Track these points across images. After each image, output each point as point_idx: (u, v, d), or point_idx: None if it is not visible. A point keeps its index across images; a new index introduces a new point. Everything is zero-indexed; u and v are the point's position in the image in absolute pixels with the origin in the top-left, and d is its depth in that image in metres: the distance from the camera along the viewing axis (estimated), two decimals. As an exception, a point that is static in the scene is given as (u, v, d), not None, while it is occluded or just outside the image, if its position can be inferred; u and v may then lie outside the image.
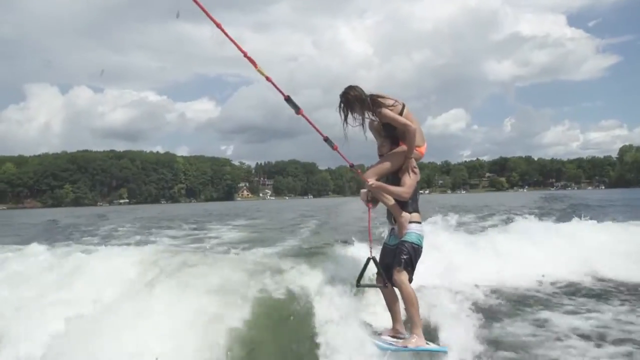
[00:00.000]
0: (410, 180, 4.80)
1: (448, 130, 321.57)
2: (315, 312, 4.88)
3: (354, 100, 4.85)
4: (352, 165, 4.96)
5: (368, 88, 4.75)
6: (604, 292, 7.18)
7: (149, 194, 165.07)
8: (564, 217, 15.55)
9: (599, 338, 5.24)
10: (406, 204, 4.84)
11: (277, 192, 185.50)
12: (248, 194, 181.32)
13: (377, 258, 4.98)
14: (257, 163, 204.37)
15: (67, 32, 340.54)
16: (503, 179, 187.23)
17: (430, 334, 4.99)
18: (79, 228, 21.68)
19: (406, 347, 4.61)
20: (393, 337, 4.89)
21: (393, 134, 4.98)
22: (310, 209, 36.41)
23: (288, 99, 4.37)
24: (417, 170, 4.89)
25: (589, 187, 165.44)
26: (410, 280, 4.74)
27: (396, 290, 4.87)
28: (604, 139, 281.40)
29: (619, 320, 5.82)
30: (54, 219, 30.73)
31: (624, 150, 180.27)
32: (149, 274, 5.45)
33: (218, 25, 3.82)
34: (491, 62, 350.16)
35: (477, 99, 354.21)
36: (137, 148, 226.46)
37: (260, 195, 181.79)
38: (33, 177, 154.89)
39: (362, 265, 5.08)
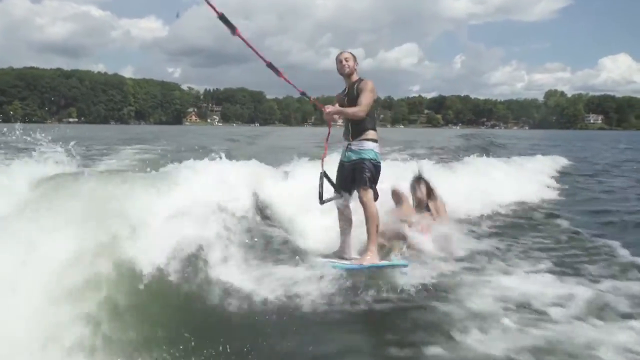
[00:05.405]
0: (366, 99, 4.77)
1: (400, 65, 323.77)
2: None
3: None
4: (303, 93, 4.85)
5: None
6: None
7: (98, 114, 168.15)
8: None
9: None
10: (363, 122, 4.83)
11: (225, 118, 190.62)
12: (196, 119, 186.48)
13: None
14: (206, 89, 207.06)
15: None
16: (439, 116, 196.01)
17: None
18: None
19: (362, 264, 4.52)
20: (340, 259, 4.77)
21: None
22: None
23: (222, 17, 3.85)
24: (374, 91, 4.87)
25: (515, 128, 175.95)
26: (376, 198, 4.74)
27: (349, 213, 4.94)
28: (547, 80, 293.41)
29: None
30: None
31: (549, 95, 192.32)
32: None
33: None
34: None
35: (430, 35, 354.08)
36: (77, 65, 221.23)
37: (209, 120, 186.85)
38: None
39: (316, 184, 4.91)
